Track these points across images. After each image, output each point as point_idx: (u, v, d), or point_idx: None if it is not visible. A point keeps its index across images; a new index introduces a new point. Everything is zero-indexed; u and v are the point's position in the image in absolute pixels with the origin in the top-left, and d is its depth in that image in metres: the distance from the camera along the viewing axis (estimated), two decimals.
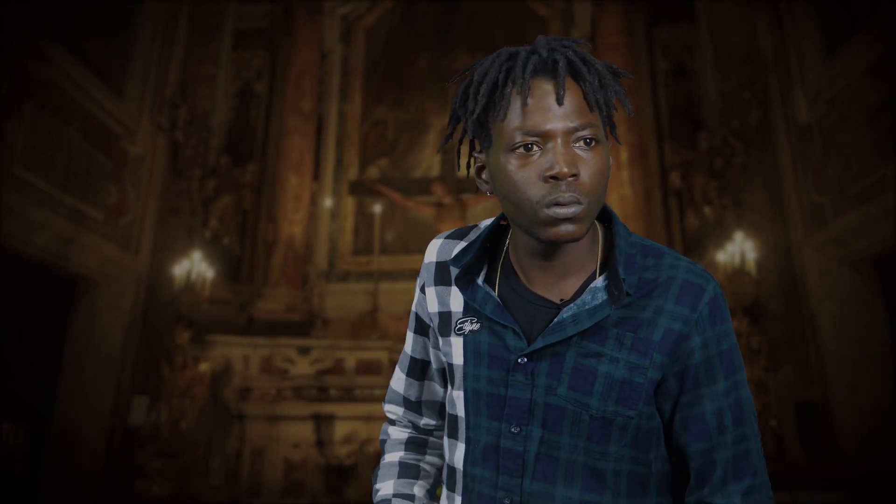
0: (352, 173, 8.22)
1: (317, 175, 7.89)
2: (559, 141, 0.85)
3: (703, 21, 7.42)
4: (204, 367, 6.59)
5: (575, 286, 0.93)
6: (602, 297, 0.89)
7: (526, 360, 0.90)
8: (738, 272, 6.08)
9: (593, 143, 0.85)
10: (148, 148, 7.08)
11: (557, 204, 0.84)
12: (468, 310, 0.97)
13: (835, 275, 5.71)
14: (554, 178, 0.83)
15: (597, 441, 0.88)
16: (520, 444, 0.90)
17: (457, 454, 0.98)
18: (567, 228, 0.85)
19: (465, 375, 0.96)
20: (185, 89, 7.54)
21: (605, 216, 0.98)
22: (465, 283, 0.96)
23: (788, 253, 6.11)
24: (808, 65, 6.06)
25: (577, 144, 0.85)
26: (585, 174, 0.85)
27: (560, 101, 0.84)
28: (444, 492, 1.01)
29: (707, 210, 6.97)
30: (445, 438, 1.02)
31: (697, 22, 7.51)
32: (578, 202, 0.84)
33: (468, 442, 0.96)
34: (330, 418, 6.24)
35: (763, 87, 6.56)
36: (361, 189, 8.03)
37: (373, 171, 8.26)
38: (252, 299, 7.22)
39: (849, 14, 5.64)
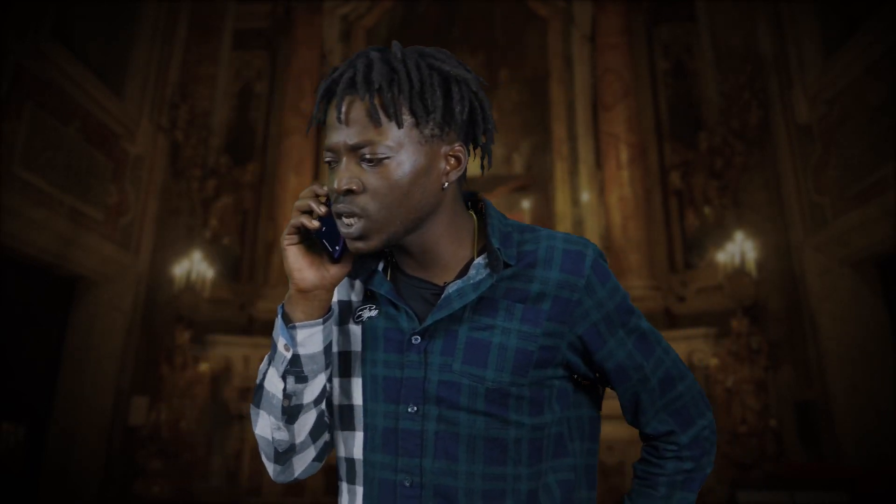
0: None
1: (317, 175, 7.89)
2: (343, 158, 0.89)
3: (703, 21, 7.42)
4: (204, 367, 6.59)
5: (455, 270, 0.96)
6: (485, 272, 0.93)
7: (420, 339, 0.93)
8: (738, 272, 6.08)
9: (374, 163, 0.87)
10: (148, 148, 7.08)
11: (339, 217, 0.89)
12: (367, 298, 1.00)
13: (835, 275, 5.71)
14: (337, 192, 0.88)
15: (495, 412, 0.90)
16: (417, 423, 0.92)
17: (355, 445, 0.98)
18: (355, 245, 0.89)
19: (364, 361, 0.97)
20: (185, 89, 7.54)
21: (479, 208, 1.02)
22: (363, 272, 0.99)
23: (788, 253, 6.11)
24: (808, 65, 6.06)
25: (364, 161, 0.87)
26: (366, 191, 0.87)
27: (339, 120, 0.88)
28: (345, 487, 1.00)
29: (707, 210, 6.97)
30: (339, 432, 1.01)
31: (697, 22, 7.51)
32: (356, 216, 0.88)
33: (366, 429, 0.96)
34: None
35: (763, 87, 6.56)
36: None
37: None
38: (252, 299, 7.22)
39: (849, 14, 5.64)
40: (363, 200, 0.87)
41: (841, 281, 5.67)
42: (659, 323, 6.83)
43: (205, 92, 7.71)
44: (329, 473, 6.15)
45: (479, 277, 0.92)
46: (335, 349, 1.01)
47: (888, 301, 5.46)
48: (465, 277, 0.93)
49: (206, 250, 7.01)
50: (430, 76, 0.89)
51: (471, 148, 0.99)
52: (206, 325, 6.77)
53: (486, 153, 1.01)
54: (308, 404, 0.97)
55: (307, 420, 0.99)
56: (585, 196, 7.80)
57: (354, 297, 1.02)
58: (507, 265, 0.92)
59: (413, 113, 0.88)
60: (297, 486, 6.13)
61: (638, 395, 0.97)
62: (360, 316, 0.99)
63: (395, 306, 0.95)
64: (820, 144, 5.83)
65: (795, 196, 6.09)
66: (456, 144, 0.92)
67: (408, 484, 0.91)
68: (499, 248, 0.92)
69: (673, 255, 7.47)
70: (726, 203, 6.74)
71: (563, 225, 7.83)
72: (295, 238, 0.92)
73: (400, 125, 0.87)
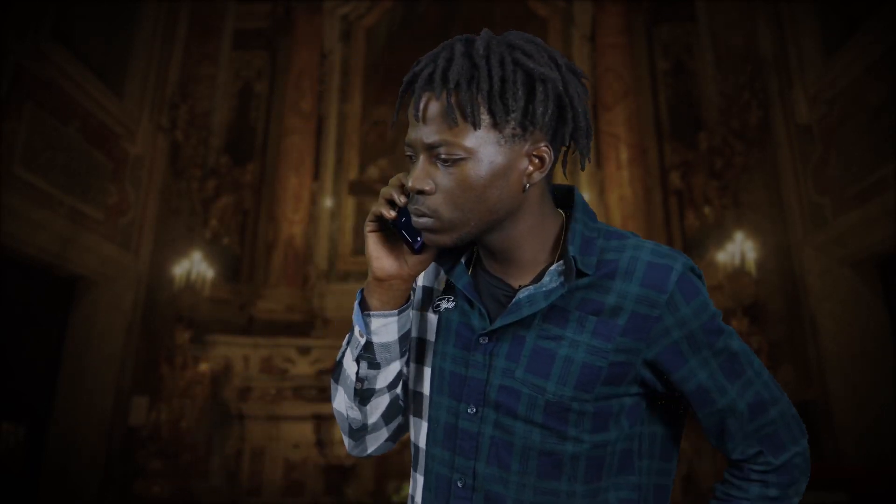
0: (352, 173, 8.21)
1: (317, 175, 7.89)
2: (421, 156, 0.87)
3: (703, 21, 7.42)
4: (204, 367, 6.59)
5: (533, 274, 0.93)
6: (559, 279, 0.89)
7: (487, 340, 0.91)
8: (738, 272, 6.08)
9: (450, 163, 0.85)
10: (148, 148, 7.08)
11: (414, 214, 0.88)
12: (447, 289, 0.99)
13: (835, 275, 5.71)
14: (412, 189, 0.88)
15: (553, 426, 0.87)
16: (475, 425, 0.90)
17: (421, 433, 0.98)
18: (428, 237, 0.89)
19: (436, 352, 0.96)
20: (185, 89, 7.54)
21: (571, 205, 0.97)
22: (447, 261, 0.97)
23: (788, 253, 6.11)
24: (808, 65, 6.06)
25: (439, 161, 0.86)
26: (439, 191, 0.86)
27: (416, 117, 0.86)
28: (413, 472, 1.01)
29: (707, 210, 6.97)
30: (411, 417, 1.01)
31: (697, 22, 7.50)
32: (426, 216, 0.87)
33: (430, 421, 0.96)
34: (330, 418, 6.23)
35: (763, 87, 6.56)
36: (361, 189, 8.03)
37: (373, 171, 8.25)
38: (252, 299, 7.22)
39: (849, 14, 5.63)
40: (435, 202, 0.86)
41: (841, 281, 5.67)
42: None
43: (205, 92, 7.70)
44: (329, 473, 6.15)
45: (553, 285, 0.89)
46: (414, 334, 1.01)
47: (888, 301, 5.46)
48: (538, 284, 0.90)
49: (206, 250, 7.01)
50: (513, 73, 0.85)
51: (569, 147, 0.94)
52: (206, 325, 6.77)
53: (582, 153, 0.94)
54: (381, 389, 0.97)
55: (380, 403, 0.99)
56: (585, 196, 7.80)
57: (437, 286, 1.02)
58: (583, 274, 0.88)
59: (492, 113, 0.84)
60: (296, 486, 6.13)
61: (724, 420, 0.91)
62: (438, 306, 0.98)
63: (471, 302, 0.93)
64: (820, 144, 5.83)
65: (795, 196, 6.09)
66: (542, 144, 0.88)
67: (461, 485, 0.90)
68: (574, 256, 0.88)
69: None
70: (726, 203, 6.74)
71: None
72: (375, 225, 0.92)
73: (477, 126, 0.84)
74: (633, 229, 7.56)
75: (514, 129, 0.85)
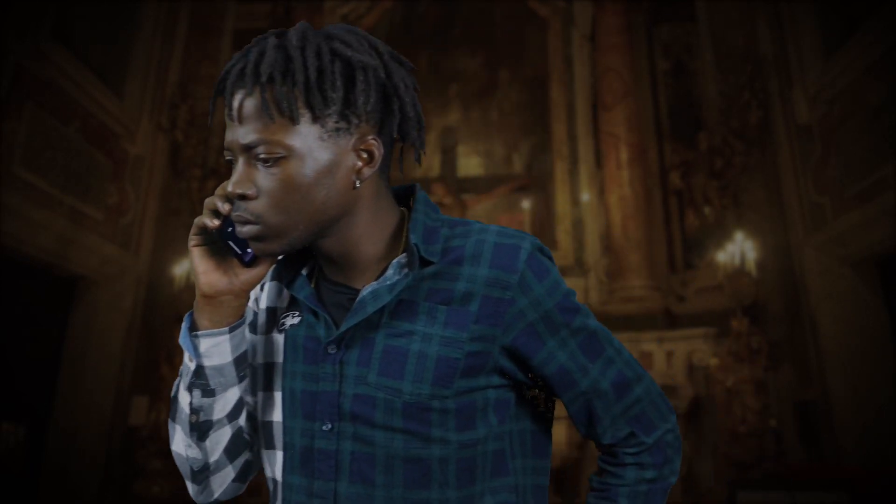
0: None
1: None
2: (240, 158, 0.81)
3: (703, 21, 7.42)
4: None
5: (376, 272, 0.87)
6: (403, 271, 0.84)
7: (335, 348, 0.84)
8: (738, 272, 6.08)
9: (270, 163, 0.78)
10: (148, 148, 7.08)
11: (238, 221, 0.81)
12: (290, 305, 0.92)
13: (835, 275, 5.71)
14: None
15: (415, 429, 0.81)
16: (332, 442, 0.83)
17: (276, 465, 0.89)
18: (255, 246, 0.82)
19: (285, 373, 0.89)
20: (185, 89, 7.55)
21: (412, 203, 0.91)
22: (287, 275, 0.91)
23: (788, 253, 6.11)
24: (808, 65, 6.06)
25: (259, 162, 0.79)
26: (262, 195, 0.79)
27: (231, 117, 0.80)
28: None
29: (707, 210, 6.98)
30: (263, 451, 0.92)
31: (697, 22, 7.51)
32: (251, 223, 0.80)
33: (286, 449, 0.87)
34: None
35: (763, 87, 6.56)
36: None
37: None
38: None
39: (849, 14, 5.64)
40: (258, 206, 0.79)
41: (841, 281, 5.67)
42: (659, 323, 6.84)
43: (205, 92, 7.70)
44: None
45: (397, 277, 0.83)
46: (260, 360, 0.93)
47: (888, 301, 5.46)
48: (381, 279, 0.84)
49: None
50: (330, 63, 0.79)
51: (403, 140, 0.89)
52: None
53: (414, 145, 0.89)
54: (220, 420, 0.88)
55: (220, 437, 0.90)
56: (585, 196, 7.81)
57: (280, 304, 0.94)
58: (428, 262, 0.83)
59: (310, 106, 0.78)
60: None
61: (590, 402, 0.86)
62: (283, 324, 0.91)
63: (315, 314, 0.86)
64: (820, 144, 5.83)
65: (795, 196, 6.09)
66: (369, 138, 0.82)
67: None
68: (416, 245, 0.82)
69: (673, 255, 7.48)
70: (726, 203, 6.75)
71: (563, 225, 7.83)
72: (199, 239, 0.84)
73: (295, 121, 0.78)
74: (633, 229, 7.57)
75: (336, 122, 0.80)
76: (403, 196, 0.94)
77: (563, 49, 8.36)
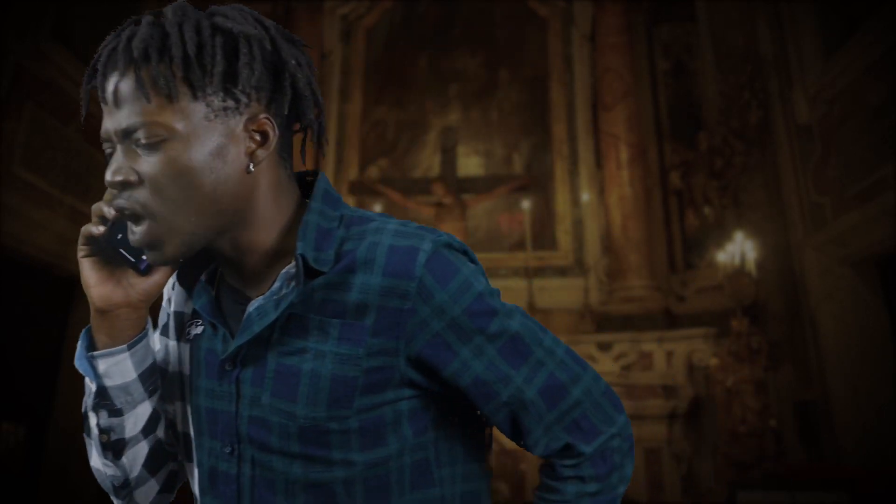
0: (352, 173, 8.22)
1: None
2: (119, 146, 0.73)
3: (703, 21, 7.42)
4: None
5: (270, 280, 0.79)
6: (291, 284, 0.76)
7: (231, 366, 0.78)
8: (738, 272, 6.08)
9: (151, 148, 0.71)
10: None
11: (125, 222, 0.73)
12: (195, 312, 0.85)
13: (835, 275, 5.71)
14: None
15: (314, 453, 0.74)
16: (233, 466, 0.77)
17: (194, 480, 0.84)
18: (149, 255, 0.74)
19: (191, 387, 0.82)
20: None
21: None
22: (188, 280, 0.84)
23: (788, 253, 6.11)
24: (808, 65, 6.06)
25: (139, 147, 0.72)
26: (146, 183, 0.71)
27: (105, 101, 0.73)
28: None
29: (707, 210, 6.98)
30: (185, 464, 0.87)
31: (697, 22, 7.51)
32: (139, 216, 0.72)
33: (198, 466, 0.82)
34: None
35: (763, 87, 6.56)
36: (362, 189, 8.04)
37: (373, 171, 8.26)
38: None
39: (849, 14, 5.64)
40: (142, 195, 0.71)
41: (841, 281, 5.68)
42: (659, 323, 6.84)
43: None
44: None
45: (284, 291, 0.75)
46: (175, 369, 0.86)
47: (888, 301, 5.46)
48: (270, 291, 0.76)
49: None
50: (210, 38, 0.72)
51: (301, 122, 0.81)
52: None
53: (311, 127, 0.81)
54: (134, 437, 0.82)
55: (137, 453, 0.83)
56: (585, 196, 7.81)
57: (187, 310, 0.87)
58: (316, 273, 0.74)
59: (189, 83, 0.71)
60: None
61: (514, 413, 0.77)
62: (188, 332, 0.84)
63: (214, 325, 0.80)
64: (820, 144, 5.83)
65: (795, 196, 6.09)
66: (261, 117, 0.75)
67: None
68: (301, 255, 0.73)
69: (673, 255, 7.48)
70: (726, 203, 6.75)
71: (563, 225, 7.83)
72: (88, 249, 0.76)
73: (174, 99, 0.71)
74: (633, 229, 7.58)
75: (223, 100, 0.73)
76: (310, 186, 0.84)
77: (562, 49, 8.37)
